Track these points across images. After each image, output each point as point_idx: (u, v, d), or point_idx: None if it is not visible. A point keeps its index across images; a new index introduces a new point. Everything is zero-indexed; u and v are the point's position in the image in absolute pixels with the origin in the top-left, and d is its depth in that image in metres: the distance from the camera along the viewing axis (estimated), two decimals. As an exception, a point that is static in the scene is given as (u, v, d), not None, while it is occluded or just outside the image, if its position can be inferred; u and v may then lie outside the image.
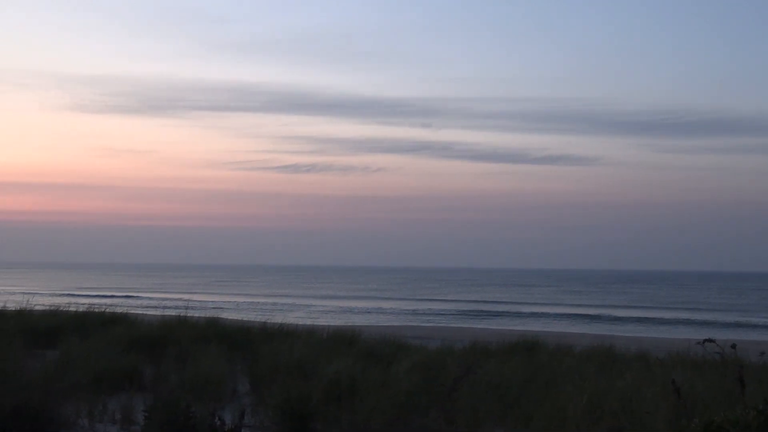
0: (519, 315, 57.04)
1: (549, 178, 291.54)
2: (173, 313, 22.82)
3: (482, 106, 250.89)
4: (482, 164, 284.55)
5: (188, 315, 20.32)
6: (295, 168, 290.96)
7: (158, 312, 35.33)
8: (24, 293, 53.12)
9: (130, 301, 61.51)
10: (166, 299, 70.15)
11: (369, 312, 58.59)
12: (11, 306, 24.01)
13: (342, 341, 16.99)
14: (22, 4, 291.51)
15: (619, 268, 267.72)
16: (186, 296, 75.18)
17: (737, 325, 50.30)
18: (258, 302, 67.71)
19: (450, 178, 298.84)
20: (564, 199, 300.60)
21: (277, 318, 22.33)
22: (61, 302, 26.96)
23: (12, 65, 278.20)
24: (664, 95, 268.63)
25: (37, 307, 23.19)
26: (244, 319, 26.66)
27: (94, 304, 25.66)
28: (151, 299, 69.96)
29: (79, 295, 63.36)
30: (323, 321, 40.09)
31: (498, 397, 10.04)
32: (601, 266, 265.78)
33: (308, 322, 31.51)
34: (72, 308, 22.67)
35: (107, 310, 22.25)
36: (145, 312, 33.45)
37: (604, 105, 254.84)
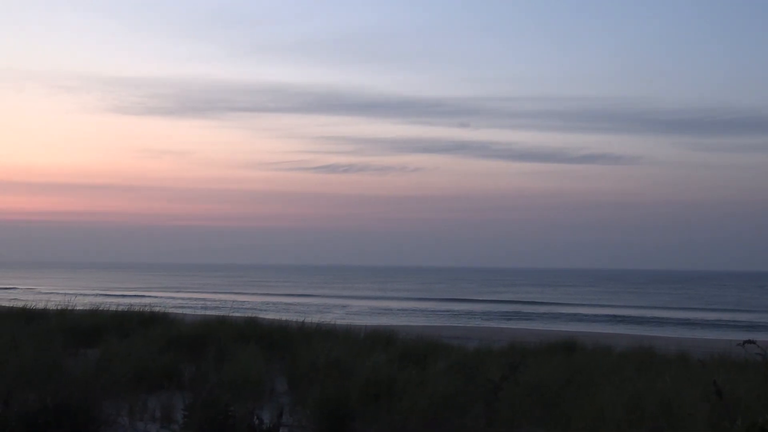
0: (557, 315, 56.67)
1: (588, 177, 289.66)
2: (212, 313, 23.01)
3: (520, 106, 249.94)
4: (520, 164, 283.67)
5: (227, 314, 20.48)
6: (333, 168, 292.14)
7: (197, 311, 35.61)
8: (65, 293, 53.84)
9: (170, 301, 62.05)
10: (206, 299, 70.66)
11: (405, 312, 58.54)
12: (53, 306, 24.34)
13: (379, 341, 17.00)
14: (65, 9, 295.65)
15: (659, 268, 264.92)
16: (225, 296, 75.73)
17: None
18: (296, 302, 67.97)
19: (487, 177, 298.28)
20: (603, 199, 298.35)
21: (315, 318, 22.40)
22: (101, 302, 27.26)
23: (54, 68, 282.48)
24: (704, 93, 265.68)
25: (78, 307, 23.49)
26: (282, 318, 26.76)
27: (134, 304, 25.93)
28: (190, 299, 70.51)
29: (119, 295, 64.09)
30: (360, 321, 40.15)
31: (537, 397, 9.98)
32: (641, 266, 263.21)
33: (345, 321, 31.59)
34: (112, 308, 22.92)
35: (147, 309, 22.46)
36: (184, 311, 33.71)
37: (644, 103, 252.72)
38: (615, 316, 56.44)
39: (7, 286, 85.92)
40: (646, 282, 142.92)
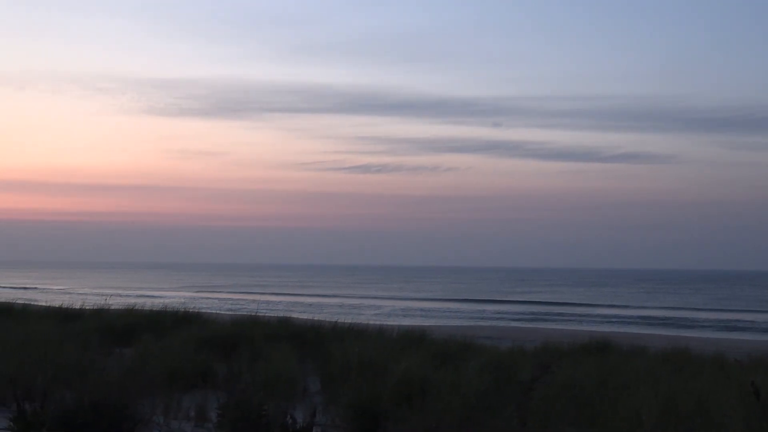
0: (591, 316, 56.28)
1: (622, 176, 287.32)
2: (246, 312, 23.13)
3: (553, 105, 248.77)
4: (554, 163, 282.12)
5: (260, 314, 20.58)
6: (366, 168, 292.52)
7: (231, 311, 35.84)
8: (101, 293, 54.40)
9: (204, 301, 62.48)
10: (240, 299, 71.07)
11: (438, 312, 58.46)
12: (89, 305, 24.63)
13: (411, 341, 17.00)
14: (101, 13, 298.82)
15: (695, 267, 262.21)
16: (258, 296, 76.08)
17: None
18: (328, 302, 68.15)
19: (521, 177, 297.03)
20: (638, 198, 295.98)
21: (347, 318, 22.46)
22: (136, 301, 27.53)
23: (90, 70, 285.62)
24: (741, 91, 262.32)
25: (114, 307, 23.75)
26: (315, 318, 26.85)
27: (168, 304, 26.14)
28: (224, 299, 70.95)
29: (154, 296, 64.62)
30: (392, 321, 40.15)
31: (570, 398, 9.92)
32: (677, 266, 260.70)
33: (377, 322, 31.61)
34: (147, 307, 23.14)
35: (181, 309, 22.65)
36: (218, 311, 33.93)
37: (679, 102, 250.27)
38: (650, 316, 55.95)
39: (46, 286, 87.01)
40: (681, 282, 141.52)
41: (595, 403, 9.59)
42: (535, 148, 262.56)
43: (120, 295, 50.58)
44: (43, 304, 26.79)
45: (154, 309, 22.40)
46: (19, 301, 24.47)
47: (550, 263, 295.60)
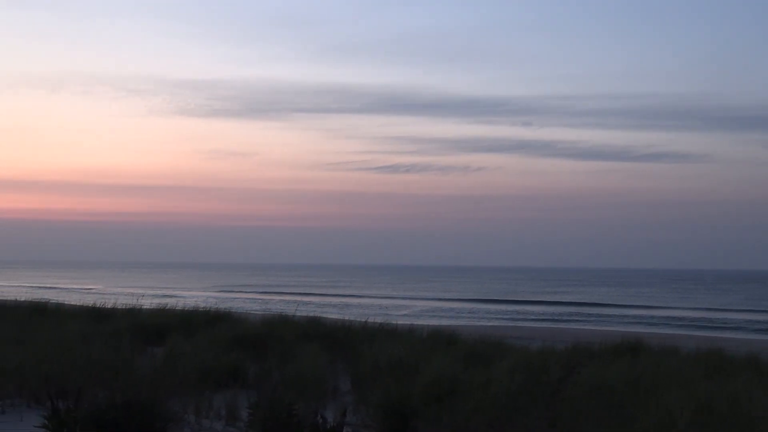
0: (622, 316, 55.88)
1: (654, 175, 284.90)
2: (276, 312, 23.22)
3: (584, 104, 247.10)
4: (584, 162, 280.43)
5: (290, 314, 20.64)
6: (395, 168, 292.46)
7: (261, 311, 35.98)
8: (133, 293, 54.88)
9: (234, 300, 62.79)
10: (270, 299, 71.36)
11: (468, 312, 58.33)
12: (121, 305, 24.85)
13: (441, 341, 16.97)
14: (133, 14, 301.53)
15: (728, 267, 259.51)
16: (288, 297, 76.35)
17: None
18: (358, 302, 68.22)
19: (551, 177, 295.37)
20: (669, 197, 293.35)
21: (377, 317, 22.45)
22: (167, 301, 27.74)
23: (123, 72, 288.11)
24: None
25: (145, 306, 23.94)
26: (345, 318, 26.90)
27: (199, 303, 26.33)
28: (254, 298, 71.27)
29: (183, 296, 65.05)
30: (422, 321, 40.13)
31: (601, 399, 9.85)
32: (710, 266, 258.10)
33: (407, 322, 31.59)
34: (178, 307, 23.31)
35: (212, 308, 22.79)
36: (248, 310, 34.08)
37: (711, 100, 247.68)
38: (682, 317, 55.44)
39: (78, 286, 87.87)
40: (714, 282, 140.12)
41: (626, 405, 9.52)
42: (566, 147, 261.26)
43: (151, 295, 50.97)
44: (76, 303, 27.08)
45: (185, 308, 22.56)
46: (51, 301, 24.75)
47: (581, 263, 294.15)
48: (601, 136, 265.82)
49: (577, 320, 51.45)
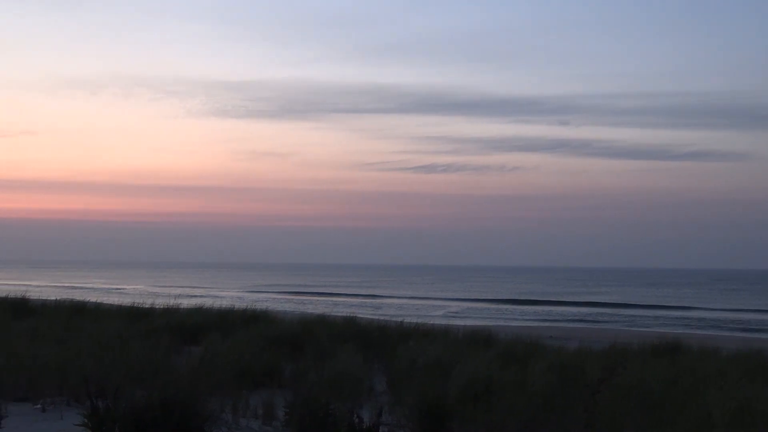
0: (661, 317, 55.32)
1: (694, 175, 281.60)
2: (312, 312, 23.32)
3: (622, 102, 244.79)
4: (623, 161, 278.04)
5: (326, 313, 20.71)
6: (431, 168, 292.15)
7: (297, 310, 36.12)
8: (170, 293, 55.34)
9: (271, 300, 63.10)
10: (306, 299, 71.60)
11: (504, 312, 58.09)
12: (159, 304, 25.09)
13: (477, 341, 16.93)
14: (170, 16, 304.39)
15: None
16: (324, 297, 76.55)
17: None
18: (394, 302, 68.21)
19: (588, 176, 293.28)
20: (708, 197, 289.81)
21: (413, 318, 22.44)
22: (204, 301, 27.96)
23: (161, 74, 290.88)
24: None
25: (183, 306, 24.15)
26: (381, 318, 26.91)
27: (235, 302, 26.50)
28: (291, 298, 71.56)
29: (220, 295, 65.47)
30: (458, 321, 40.03)
31: (639, 400, 9.77)
32: (750, 265, 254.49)
33: (443, 322, 31.52)
34: (215, 306, 23.48)
35: (248, 308, 22.92)
36: (285, 310, 34.23)
37: (751, 98, 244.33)
38: (723, 318, 54.74)
39: (117, 285, 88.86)
40: (755, 281, 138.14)
41: (664, 405, 9.43)
42: (603, 146, 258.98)
43: (188, 295, 51.38)
44: (115, 303, 27.38)
45: (222, 308, 22.73)
46: (91, 301, 25.04)
47: (618, 263, 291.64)
48: (639, 135, 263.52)
49: (615, 321, 51.01)
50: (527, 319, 50.83)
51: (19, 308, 21.74)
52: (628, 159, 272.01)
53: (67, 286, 78.78)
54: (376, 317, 30.54)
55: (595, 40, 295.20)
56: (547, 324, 45.71)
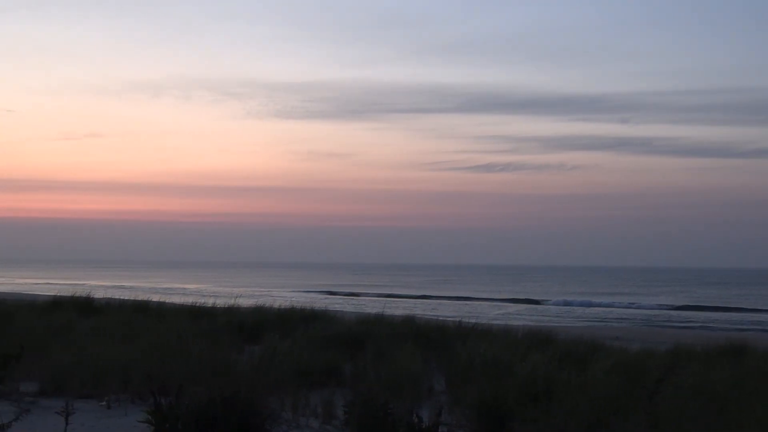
0: (727, 317, 54.25)
1: (758, 172, 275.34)
2: (370, 311, 23.36)
3: (683, 99, 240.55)
4: (685, 159, 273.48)
5: (385, 313, 20.72)
6: (489, 167, 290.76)
7: (356, 310, 36.22)
8: (230, 292, 55.96)
9: (330, 299, 63.41)
10: (364, 299, 71.81)
11: (564, 313, 57.54)
12: (220, 304, 25.39)
13: (537, 341, 16.78)
14: (230, 18, 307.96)
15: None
16: (382, 298, 76.66)
17: None
18: (453, 302, 68.05)
19: (650, 174, 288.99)
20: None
21: (472, 317, 22.34)
22: (264, 300, 28.20)
23: (221, 76, 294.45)
24: None
25: (243, 305, 24.40)
26: (440, 318, 26.85)
27: (295, 302, 26.68)
28: (349, 298, 71.84)
29: (280, 295, 65.98)
30: (517, 321, 39.76)
31: (703, 402, 9.58)
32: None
33: (502, 322, 31.33)
34: (274, 306, 23.67)
35: (308, 307, 23.07)
36: (343, 310, 34.36)
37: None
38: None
39: (180, 285, 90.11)
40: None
41: (730, 408, 9.23)
42: (665, 144, 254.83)
43: (248, 294, 51.91)
44: (176, 302, 27.77)
45: (282, 307, 22.90)
46: (153, 300, 25.43)
47: (681, 262, 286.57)
48: (702, 132, 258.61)
49: (679, 322, 50.16)
50: (589, 320, 50.26)
51: (84, 307, 22.20)
52: (690, 157, 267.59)
53: (131, 286, 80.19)
54: (435, 317, 30.48)
55: (654, 37, 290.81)
56: (608, 324, 45.13)
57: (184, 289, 79.55)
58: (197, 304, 24.59)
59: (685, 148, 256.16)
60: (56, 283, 74.62)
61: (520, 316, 50.19)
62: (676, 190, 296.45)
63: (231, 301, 25.05)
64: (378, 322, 18.94)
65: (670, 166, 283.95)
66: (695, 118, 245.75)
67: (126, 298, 31.11)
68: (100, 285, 73.42)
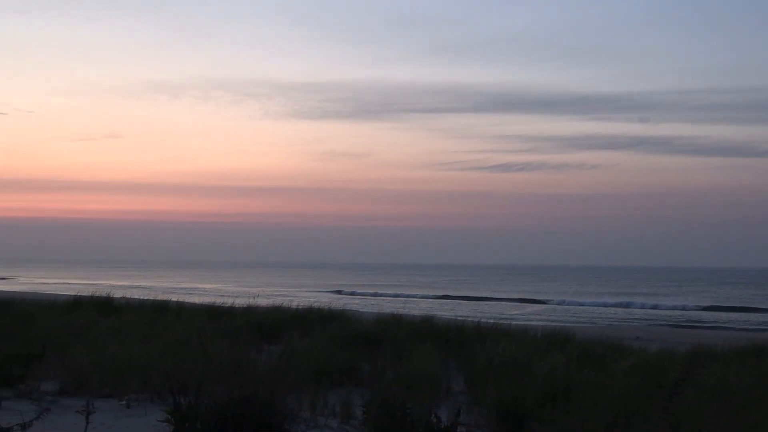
0: (747, 318, 53.87)
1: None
2: (388, 311, 23.37)
3: (703, 98, 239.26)
4: (705, 158, 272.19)
5: (403, 313, 20.72)
6: (507, 167, 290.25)
7: (374, 309, 36.25)
8: (249, 292, 56.12)
9: (347, 299, 63.46)
10: (382, 299, 71.82)
11: (583, 313, 57.32)
12: (239, 303, 25.47)
13: (556, 341, 16.73)
14: (247, 19, 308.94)
15: None
16: (401, 297, 76.65)
17: None
18: (471, 302, 67.95)
19: (670, 174, 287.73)
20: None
21: (490, 317, 22.30)
22: (282, 300, 28.26)
23: (239, 76, 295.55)
24: None
25: (262, 305, 24.48)
26: (458, 318, 26.82)
27: (313, 302, 26.73)
28: (367, 298, 71.87)
29: (298, 295, 66.10)
30: (536, 321, 39.65)
31: (723, 403, 9.52)
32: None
33: (521, 322, 31.26)
34: (293, 305, 23.72)
35: (326, 307, 23.10)
36: (361, 309, 34.40)
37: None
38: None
39: (199, 285, 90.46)
40: None
41: (750, 409, 9.18)
42: (685, 143, 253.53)
43: (266, 294, 52.04)
44: (195, 301, 27.90)
45: (300, 307, 22.95)
46: (173, 299, 25.56)
47: (702, 262, 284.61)
48: (722, 131, 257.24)
49: (699, 322, 49.87)
50: (608, 320, 50.05)
51: (103, 307, 22.33)
52: (710, 156, 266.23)
53: (150, 286, 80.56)
54: (453, 317, 30.44)
55: (673, 36, 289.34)
56: (627, 325, 44.94)
57: (203, 289, 79.85)
58: (216, 304, 24.69)
59: (705, 148, 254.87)
60: (76, 283, 75.11)
61: (538, 316, 50.06)
62: (696, 189, 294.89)
63: (249, 301, 25.15)
64: (396, 321, 18.94)
65: (690, 165, 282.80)
66: (715, 117, 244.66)
67: (145, 297, 31.27)
68: (120, 285, 73.81)
